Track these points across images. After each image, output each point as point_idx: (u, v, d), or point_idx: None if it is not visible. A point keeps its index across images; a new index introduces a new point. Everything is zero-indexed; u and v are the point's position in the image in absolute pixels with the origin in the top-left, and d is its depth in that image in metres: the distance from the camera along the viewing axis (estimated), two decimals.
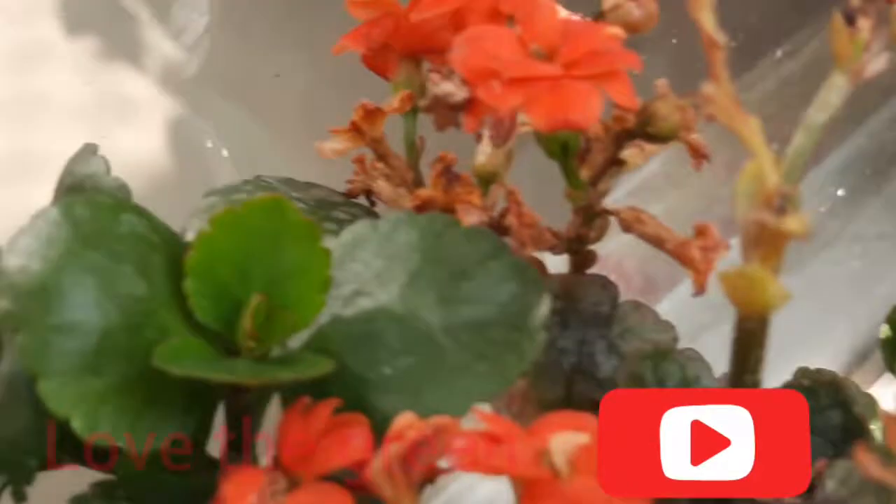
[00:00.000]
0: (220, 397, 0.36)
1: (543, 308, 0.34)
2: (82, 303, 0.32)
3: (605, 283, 0.39)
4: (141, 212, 0.34)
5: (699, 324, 0.57)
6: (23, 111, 0.70)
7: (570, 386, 0.40)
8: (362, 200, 0.42)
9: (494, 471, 0.30)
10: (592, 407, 0.41)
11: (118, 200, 0.34)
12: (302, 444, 0.32)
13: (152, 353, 0.33)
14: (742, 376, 0.33)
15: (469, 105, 0.33)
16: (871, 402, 0.40)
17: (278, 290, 0.34)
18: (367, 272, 0.35)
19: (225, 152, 0.69)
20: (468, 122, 0.33)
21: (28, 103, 0.70)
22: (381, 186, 0.40)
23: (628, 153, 0.37)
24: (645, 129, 0.33)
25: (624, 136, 0.34)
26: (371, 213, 0.41)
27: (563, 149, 0.34)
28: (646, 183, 0.74)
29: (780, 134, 0.34)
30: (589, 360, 0.40)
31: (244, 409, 0.37)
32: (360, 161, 0.40)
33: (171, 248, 0.34)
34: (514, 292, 0.34)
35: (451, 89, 0.33)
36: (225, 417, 0.37)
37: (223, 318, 0.34)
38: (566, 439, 0.31)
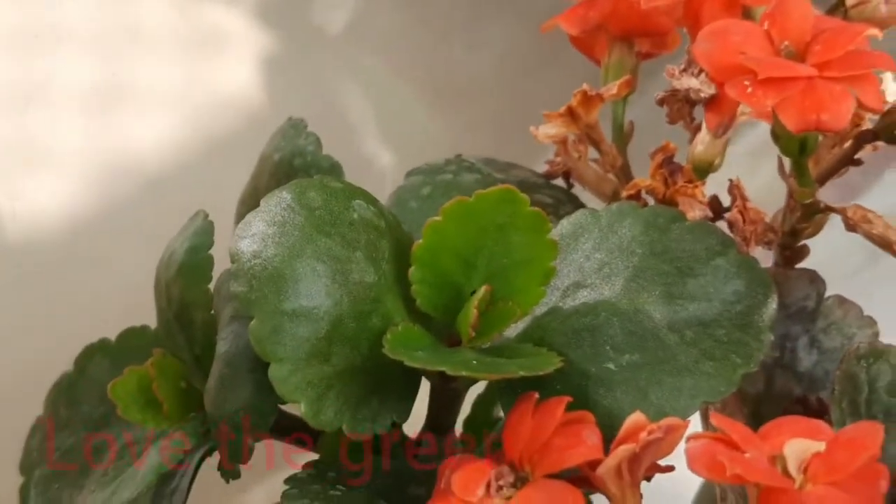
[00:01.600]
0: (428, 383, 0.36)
1: (771, 308, 0.33)
2: (315, 290, 0.32)
3: (813, 278, 0.39)
4: (369, 197, 0.34)
5: None
6: (116, 43, 0.68)
7: (770, 380, 0.39)
8: (559, 182, 0.41)
9: (732, 477, 0.30)
10: (792, 402, 0.40)
11: (348, 185, 0.33)
12: (532, 440, 0.31)
13: (376, 340, 0.33)
14: None
15: (713, 101, 0.32)
16: None
17: (501, 281, 0.34)
18: (588, 264, 0.34)
19: (370, 108, 0.69)
20: (710, 118, 0.32)
21: (122, 35, 0.69)
22: (585, 170, 0.39)
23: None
24: (893, 132, 0.32)
25: (868, 137, 0.33)
26: (572, 197, 0.40)
27: (801, 147, 0.33)
28: (761, 142, 0.73)
29: None
30: (791, 354, 0.39)
31: (450, 394, 0.37)
32: (563, 142, 0.39)
33: (395, 233, 0.34)
34: (740, 290, 0.34)
35: (697, 85, 0.32)
36: (429, 402, 0.37)
37: (443, 306, 0.34)
38: (802, 446, 0.31)
